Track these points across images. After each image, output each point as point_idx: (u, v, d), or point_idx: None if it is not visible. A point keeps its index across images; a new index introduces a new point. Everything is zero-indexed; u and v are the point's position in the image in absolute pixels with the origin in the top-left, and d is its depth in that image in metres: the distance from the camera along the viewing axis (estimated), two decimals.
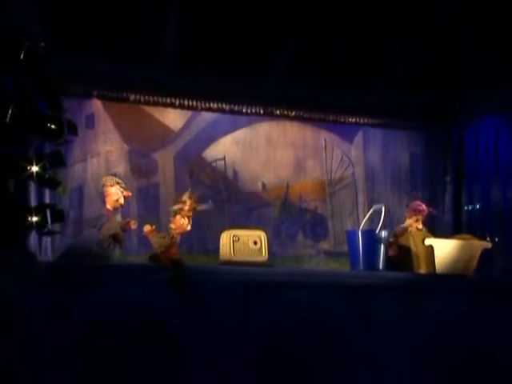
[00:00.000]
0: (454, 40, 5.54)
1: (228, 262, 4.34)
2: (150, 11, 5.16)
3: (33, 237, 4.85)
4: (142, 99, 6.08)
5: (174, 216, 4.05)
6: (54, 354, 3.38)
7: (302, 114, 6.62)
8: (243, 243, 4.41)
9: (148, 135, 6.30)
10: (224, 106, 6.36)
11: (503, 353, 4.17)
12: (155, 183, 6.28)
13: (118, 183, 4.83)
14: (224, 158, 6.49)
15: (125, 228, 4.75)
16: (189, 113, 6.39)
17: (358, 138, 6.92)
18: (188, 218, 4.04)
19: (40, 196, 5.02)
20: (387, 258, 4.66)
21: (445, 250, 4.46)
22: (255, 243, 4.45)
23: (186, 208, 4.06)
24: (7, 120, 3.69)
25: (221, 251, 4.45)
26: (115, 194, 4.79)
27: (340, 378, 3.85)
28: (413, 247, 4.76)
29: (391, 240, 4.90)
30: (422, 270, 4.61)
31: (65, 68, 4.98)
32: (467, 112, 6.64)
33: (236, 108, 6.42)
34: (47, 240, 5.39)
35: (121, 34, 5.26)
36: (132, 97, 6.05)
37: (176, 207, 4.08)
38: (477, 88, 6.15)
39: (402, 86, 6.21)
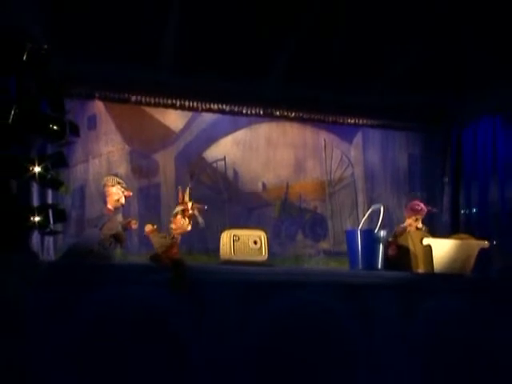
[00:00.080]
0: (452, 41, 5.55)
1: (228, 262, 4.36)
2: (151, 12, 5.17)
3: (35, 236, 4.89)
4: (143, 100, 6.11)
5: (175, 216, 4.08)
6: (56, 353, 3.40)
7: (301, 114, 6.64)
8: (243, 243, 4.43)
9: (149, 136, 6.32)
10: (224, 106, 6.39)
11: (501, 352, 4.19)
12: (156, 183, 6.30)
13: (119, 183, 4.83)
14: (224, 159, 6.51)
15: (126, 228, 4.76)
16: (189, 114, 6.41)
17: (358, 138, 6.94)
18: (188, 218, 4.06)
19: (42, 196, 5.05)
20: (386, 257, 4.67)
21: (443, 249, 4.49)
22: (255, 243, 4.47)
23: (188, 208, 4.08)
24: (10, 121, 3.70)
25: (221, 251, 4.48)
26: (116, 193, 4.79)
27: (339, 377, 3.87)
28: (411, 247, 4.77)
29: (390, 240, 4.91)
30: (421, 270, 4.63)
31: (67, 69, 5.02)
32: (465, 113, 6.66)
33: (236, 109, 6.44)
34: (49, 240, 5.42)
35: (122, 35, 5.28)
36: (133, 98, 6.07)
37: (178, 209, 4.10)
38: (475, 89, 6.16)
39: (401, 87, 6.22)
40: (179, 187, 4.24)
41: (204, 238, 5.95)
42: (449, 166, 6.86)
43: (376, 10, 5.27)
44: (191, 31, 5.39)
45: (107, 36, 5.26)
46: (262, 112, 6.51)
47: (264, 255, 4.46)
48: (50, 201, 5.11)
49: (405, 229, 5.15)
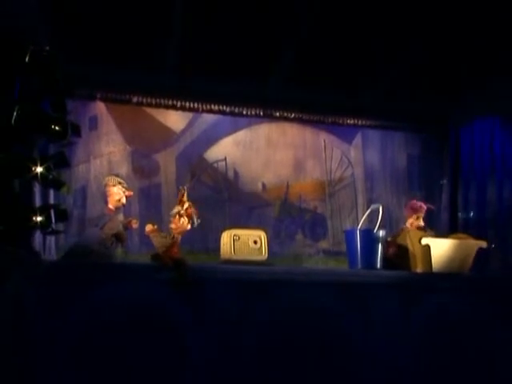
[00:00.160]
0: (449, 42, 5.55)
1: (228, 261, 4.37)
2: (153, 14, 5.18)
3: (37, 236, 4.88)
4: (145, 101, 6.13)
5: (174, 217, 4.10)
6: (57, 352, 3.42)
7: (301, 115, 6.66)
8: (243, 242, 4.44)
9: (150, 136, 6.34)
10: (225, 107, 6.41)
11: (499, 350, 4.22)
12: (157, 184, 6.32)
13: (119, 183, 4.86)
14: (225, 159, 6.53)
15: (126, 227, 4.79)
16: (190, 114, 6.44)
17: (357, 139, 6.96)
18: (187, 217, 4.09)
19: (44, 196, 5.05)
20: (385, 257, 4.69)
21: (441, 249, 4.51)
22: (255, 242, 4.48)
23: (185, 207, 4.10)
24: (12, 122, 3.71)
25: (221, 250, 4.49)
26: (117, 193, 4.82)
27: (339, 376, 3.89)
28: (410, 246, 4.75)
29: (389, 239, 4.93)
30: (419, 269, 4.62)
31: (68, 71, 5.04)
32: (463, 113, 6.67)
33: (236, 110, 6.46)
34: (51, 239, 5.43)
35: (123, 37, 5.29)
36: (134, 99, 6.09)
37: (175, 210, 4.12)
38: (473, 90, 6.18)
39: (399, 89, 6.23)
40: (180, 187, 4.28)
41: (204, 237, 5.97)
42: (447, 166, 6.86)
43: (376, 12, 5.27)
44: (192, 33, 5.41)
45: (109, 37, 5.27)
46: (262, 113, 6.53)
47: (264, 255, 4.47)
48: (51, 201, 5.12)
49: (403, 228, 5.18)
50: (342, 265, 5.64)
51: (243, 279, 3.88)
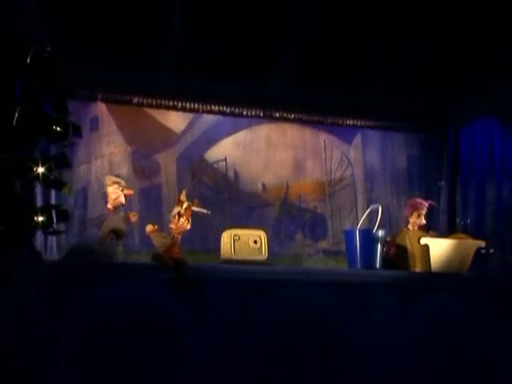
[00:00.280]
0: (449, 43, 5.57)
1: (228, 261, 4.35)
2: (153, 14, 5.19)
3: (39, 236, 4.89)
4: (145, 102, 6.17)
5: (174, 217, 4.11)
6: (59, 352, 3.42)
7: (301, 116, 6.69)
8: (243, 242, 4.42)
9: (151, 137, 6.37)
10: (225, 108, 6.44)
11: (498, 350, 4.20)
12: (158, 184, 6.35)
13: (116, 182, 4.86)
14: (225, 160, 6.56)
15: (125, 221, 4.80)
16: (190, 115, 6.47)
17: (357, 139, 6.98)
18: (187, 217, 4.10)
19: (46, 196, 5.07)
20: (384, 256, 4.69)
21: (440, 248, 4.50)
22: (255, 242, 4.46)
23: (184, 208, 4.11)
24: (14, 122, 3.71)
25: (221, 250, 4.48)
26: (114, 193, 4.83)
27: (338, 375, 3.88)
28: (409, 246, 4.76)
29: (388, 239, 4.94)
30: (418, 269, 4.62)
31: (69, 71, 5.05)
32: (462, 114, 6.69)
33: (236, 110, 6.49)
34: (53, 239, 5.46)
35: (124, 38, 5.31)
36: (135, 100, 6.13)
37: (175, 210, 4.13)
38: (472, 90, 6.20)
39: (399, 90, 6.25)
40: (181, 189, 4.30)
41: (204, 237, 6.00)
42: (446, 166, 6.88)
43: (376, 12, 5.28)
44: (192, 33, 5.42)
45: (109, 38, 5.30)
46: (262, 113, 6.56)
47: (264, 254, 4.46)
48: (53, 201, 5.14)
49: (403, 228, 5.19)
50: (342, 265, 5.64)
51: (243, 279, 3.87)
